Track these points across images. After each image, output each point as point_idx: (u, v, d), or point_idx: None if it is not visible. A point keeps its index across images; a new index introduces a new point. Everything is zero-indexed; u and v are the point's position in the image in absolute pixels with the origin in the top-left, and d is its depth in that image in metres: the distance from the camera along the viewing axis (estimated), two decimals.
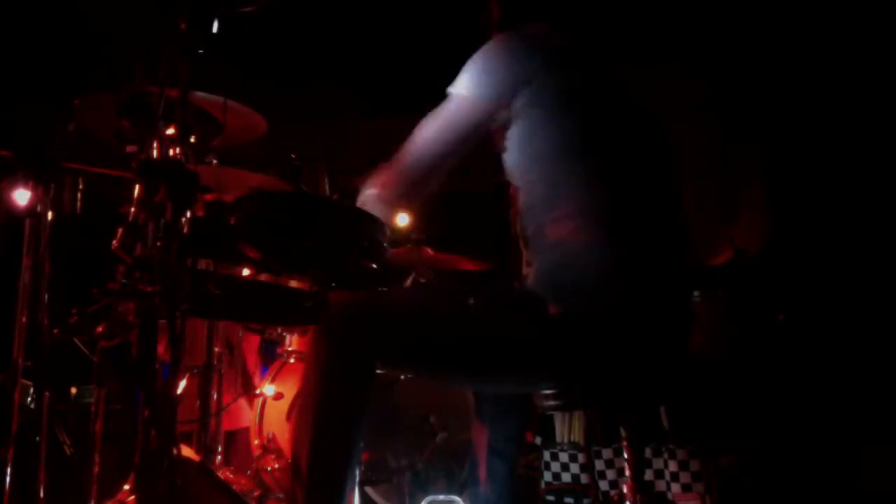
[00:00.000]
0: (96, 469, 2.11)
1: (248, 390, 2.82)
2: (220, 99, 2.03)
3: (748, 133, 3.61)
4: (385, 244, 1.69)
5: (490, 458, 1.95)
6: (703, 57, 3.60)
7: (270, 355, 3.05)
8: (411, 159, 1.78)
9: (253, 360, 3.09)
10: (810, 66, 3.45)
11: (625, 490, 1.73)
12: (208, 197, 1.69)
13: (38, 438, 2.25)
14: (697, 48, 3.59)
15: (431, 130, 1.77)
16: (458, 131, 1.75)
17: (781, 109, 3.52)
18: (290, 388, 2.65)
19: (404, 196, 1.83)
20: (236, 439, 2.95)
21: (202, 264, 2.20)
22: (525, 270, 1.79)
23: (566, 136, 1.66)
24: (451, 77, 1.77)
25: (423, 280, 2.54)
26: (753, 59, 3.55)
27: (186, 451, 1.96)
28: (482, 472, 1.96)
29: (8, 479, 2.20)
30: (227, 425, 2.76)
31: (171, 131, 1.51)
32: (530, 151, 1.70)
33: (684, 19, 3.51)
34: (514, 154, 1.73)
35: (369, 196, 1.82)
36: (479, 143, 1.77)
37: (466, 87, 1.73)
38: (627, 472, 1.75)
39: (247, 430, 2.82)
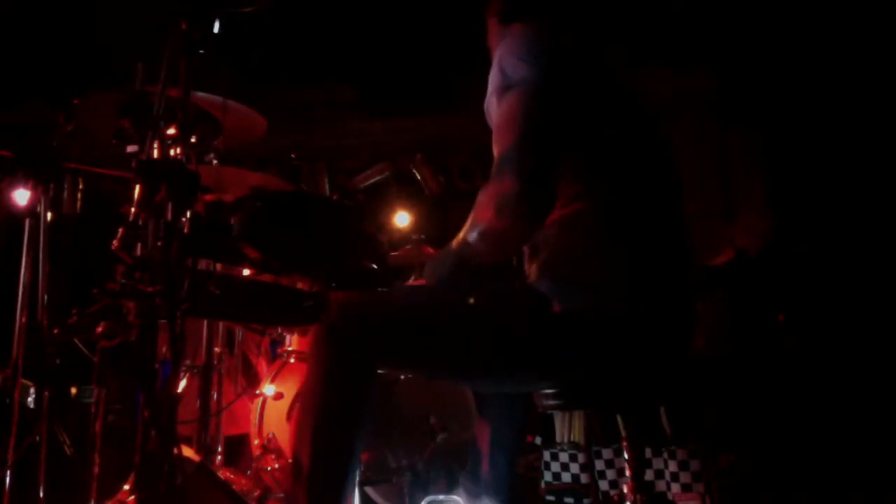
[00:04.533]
0: (96, 469, 2.11)
1: (253, 388, 2.81)
2: (220, 99, 2.03)
3: (748, 132, 3.61)
4: (385, 244, 1.69)
5: (492, 455, 1.96)
6: (703, 55, 3.60)
7: (272, 355, 3.05)
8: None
9: (256, 359, 3.09)
10: (811, 63, 3.45)
11: (625, 490, 1.73)
12: (208, 197, 1.69)
13: (38, 438, 2.25)
14: (696, 45, 3.59)
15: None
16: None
17: (782, 108, 3.52)
18: (290, 388, 2.65)
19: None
20: (238, 444, 2.94)
21: (202, 264, 2.21)
22: (527, 269, 1.79)
23: (568, 135, 1.66)
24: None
25: (423, 280, 2.53)
26: (753, 57, 3.55)
27: (186, 451, 1.96)
28: (484, 469, 1.96)
29: (8, 479, 2.21)
30: (228, 429, 2.76)
31: (171, 131, 1.51)
32: None
33: (683, 15, 3.51)
34: None
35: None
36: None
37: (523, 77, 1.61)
38: (627, 472, 1.75)
39: (248, 434, 2.82)
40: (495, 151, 1.64)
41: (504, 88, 1.63)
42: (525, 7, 1.81)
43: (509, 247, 1.73)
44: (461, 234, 1.67)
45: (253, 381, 2.99)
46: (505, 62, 1.64)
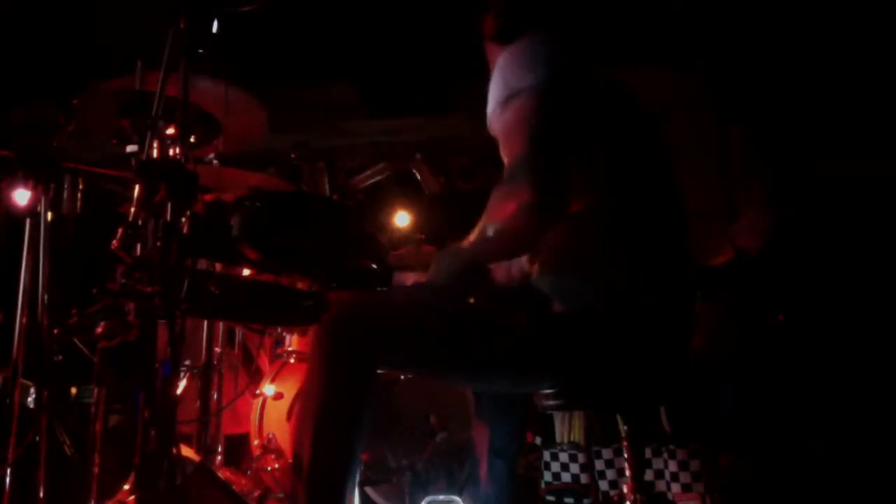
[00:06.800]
0: (96, 469, 2.11)
1: (253, 386, 2.81)
2: (222, 92, 2.02)
3: (748, 132, 3.61)
4: (385, 244, 1.69)
5: (490, 457, 1.95)
6: (703, 54, 3.59)
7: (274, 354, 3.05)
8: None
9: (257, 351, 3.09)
10: (810, 62, 3.45)
11: (625, 490, 1.73)
12: (208, 197, 1.69)
13: (37, 438, 2.25)
14: (696, 45, 3.58)
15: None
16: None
17: (782, 108, 3.52)
18: (290, 388, 2.65)
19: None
20: (238, 444, 2.94)
21: (202, 264, 2.20)
22: (526, 269, 1.79)
23: (574, 136, 1.66)
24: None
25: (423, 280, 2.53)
26: (752, 56, 3.55)
27: (186, 451, 1.96)
28: (482, 472, 1.96)
29: (8, 478, 2.21)
30: (230, 428, 2.76)
31: (171, 131, 1.51)
32: None
33: (682, 15, 3.51)
34: None
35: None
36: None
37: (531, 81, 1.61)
38: (627, 472, 1.75)
39: (248, 434, 2.82)
40: (505, 158, 1.63)
41: (508, 97, 1.62)
42: (519, 27, 1.80)
43: (525, 245, 1.71)
44: (474, 234, 1.66)
45: (255, 376, 3.00)
46: (507, 71, 1.64)
